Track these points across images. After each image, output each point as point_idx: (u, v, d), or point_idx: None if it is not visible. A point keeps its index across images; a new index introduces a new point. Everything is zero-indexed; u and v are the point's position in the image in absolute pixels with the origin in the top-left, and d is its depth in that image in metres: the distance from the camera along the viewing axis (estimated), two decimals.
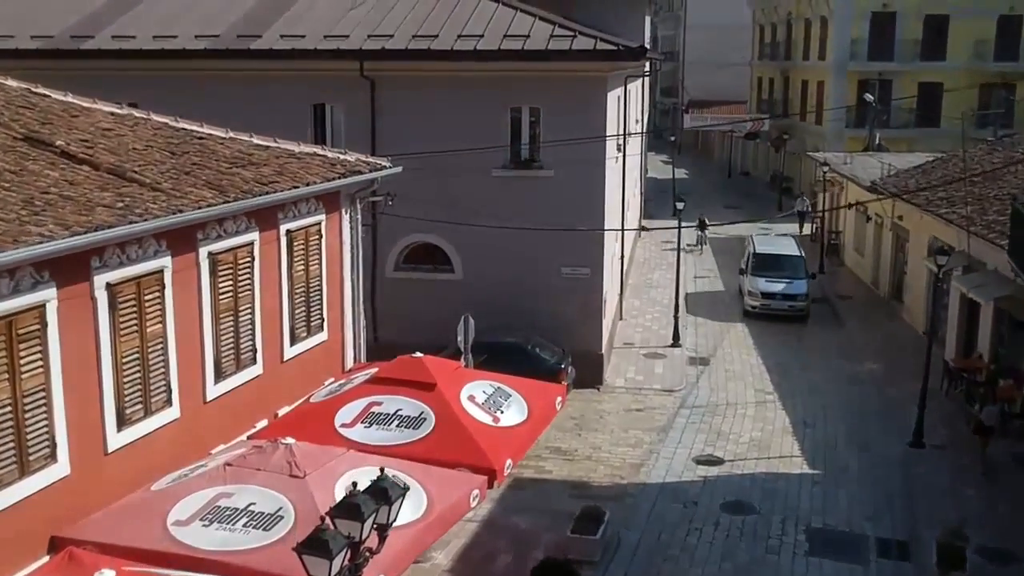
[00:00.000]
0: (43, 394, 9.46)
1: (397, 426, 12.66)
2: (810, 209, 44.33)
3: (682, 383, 24.61)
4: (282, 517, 9.74)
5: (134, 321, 10.63)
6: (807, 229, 43.93)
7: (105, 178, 10.90)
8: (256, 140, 14.65)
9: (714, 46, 64.37)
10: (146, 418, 10.95)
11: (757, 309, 30.50)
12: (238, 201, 11.60)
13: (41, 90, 13.78)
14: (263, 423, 13.12)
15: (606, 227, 23.30)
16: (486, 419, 13.16)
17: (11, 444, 9.13)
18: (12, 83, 13.63)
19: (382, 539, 8.45)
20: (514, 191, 22.48)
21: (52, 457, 9.61)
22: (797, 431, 21.75)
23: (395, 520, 8.63)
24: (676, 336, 27.64)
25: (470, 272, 23.04)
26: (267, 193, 12.24)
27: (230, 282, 12.30)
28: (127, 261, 10.46)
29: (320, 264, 14.41)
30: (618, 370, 25.24)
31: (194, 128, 14.42)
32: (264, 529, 9.61)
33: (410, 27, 22.85)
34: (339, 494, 9.85)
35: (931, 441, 20.86)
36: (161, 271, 11.02)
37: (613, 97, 24.26)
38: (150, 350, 10.93)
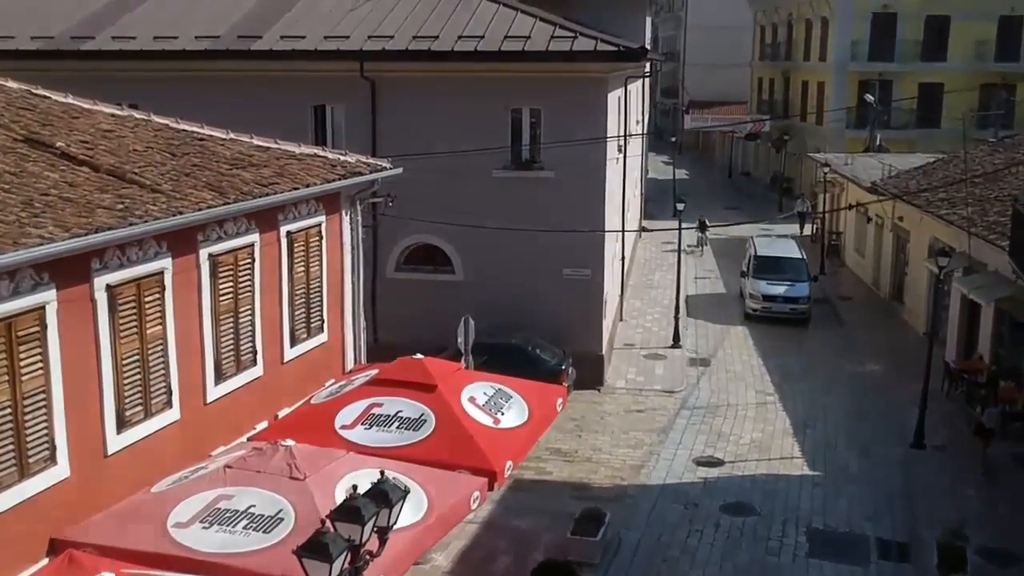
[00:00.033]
0: (43, 396, 9.44)
1: (397, 428, 12.64)
2: (810, 210, 44.32)
3: (682, 384, 24.60)
4: (282, 519, 9.73)
5: (134, 323, 10.62)
6: (808, 230, 43.91)
7: (105, 180, 10.89)
8: (256, 141, 14.64)
9: (714, 47, 64.38)
10: (146, 420, 10.93)
11: (758, 312, 30.37)
12: (238, 203, 11.58)
13: (41, 91, 13.77)
14: (263, 425, 13.11)
15: (607, 228, 23.29)
16: (487, 421, 13.15)
17: (11, 446, 9.11)
18: (12, 84, 13.63)
19: (382, 542, 8.44)
20: (515, 192, 22.47)
21: (52, 459, 9.60)
22: (797, 432, 21.74)
23: (395, 523, 8.62)
24: (676, 337, 27.62)
25: (470, 273, 23.03)
26: (267, 195, 12.22)
27: (230, 284, 12.29)
28: (127, 263, 10.44)
29: (320, 265, 14.40)
30: (618, 371, 25.23)
31: (194, 129, 14.41)
32: (264, 531, 9.60)
33: (411, 28, 22.85)
34: (339, 496, 9.85)
35: (932, 442, 20.85)
36: (161, 273, 11.00)
37: (614, 98, 24.25)
38: (150, 352, 10.91)
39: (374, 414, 12.82)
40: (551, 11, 23.96)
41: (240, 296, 12.48)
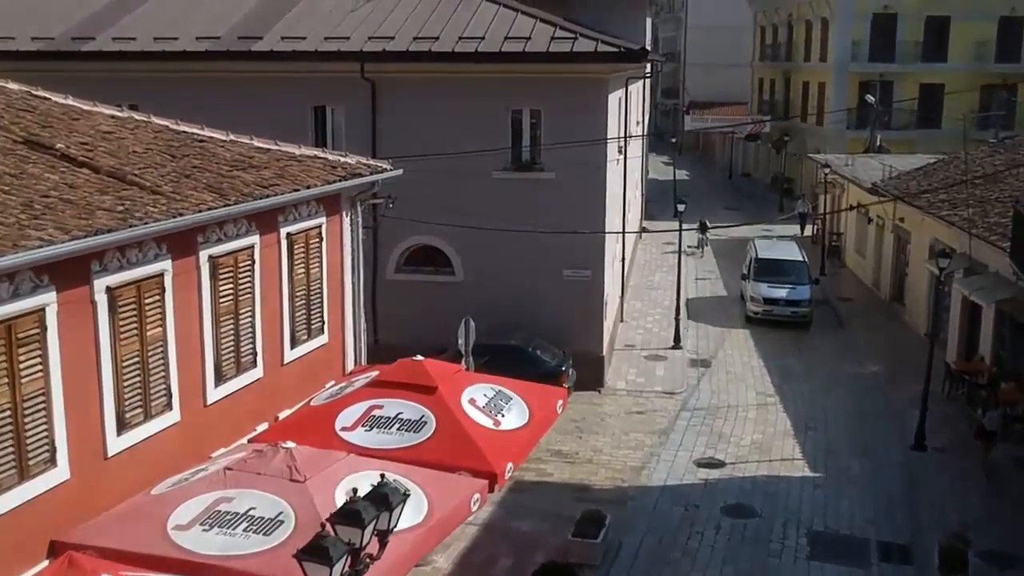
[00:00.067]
0: (43, 398, 9.42)
1: (398, 430, 12.64)
2: (811, 211, 44.29)
3: (683, 385, 24.58)
4: (282, 522, 9.72)
5: (134, 325, 10.60)
6: (808, 231, 43.89)
7: (105, 181, 10.87)
8: (257, 143, 14.63)
9: (715, 47, 64.38)
10: (146, 422, 10.92)
11: (759, 315, 30.18)
12: (238, 204, 11.57)
13: (41, 93, 13.75)
14: (263, 426, 13.10)
15: (607, 229, 23.27)
16: (487, 422, 13.14)
17: (11, 448, 9.09)
18: (12, 86, 13.61)
19: (383, 545, 8.42)
20: (515, 193, 22.45)
21: (52, 462, 9.58)
22: (798, 434, 21.72)
23: (396, 526, 8.60)
24: (677, 338, 27.60)
25: (471, 274, 23.02)
26: (267, 196, 12.21)
27: (230, 285, 12.27)
28: (127, 265, 10.43)
29: (321, 267, 14.38)
30: (619, 372, 25.21)
31: (194, 131, 14.39)
32: (264, 534, 9.58)
33: (411, 29, 22.83)
34: (340, 499, 9.84)
35: (933, 444, 20.82)
36: (161, 274, 10.99)
37: (614, 99, 24.23)
38: (150, 354, 10.90)
39: (374, 416, 12.82)
40: (551, 12, 23.95)
41: (240, 298, 12.46)
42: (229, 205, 11.38)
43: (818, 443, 21.25)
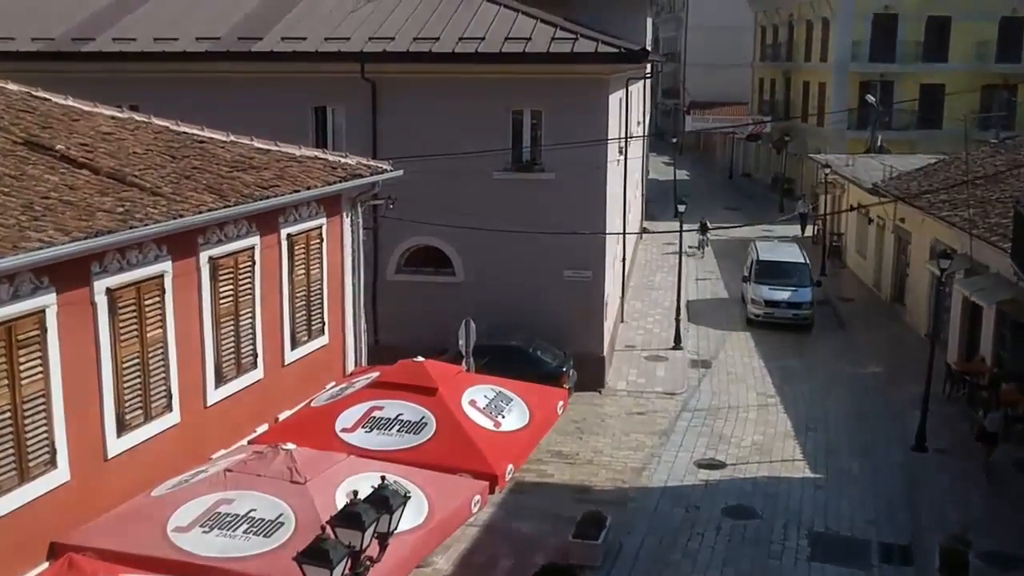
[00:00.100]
0: (43, 400, 9.42)
1: (398, 431, 12.63)
2: (812, 211, 44.25)
3: (684, 386, 24.56)
4: (283, 524, 9.71)
5: (134, 326, 10.60)
6: (809, 231, 43.87)
7: (105, 182, 10.86)
8: (257, 144, 14.62)
9: (715, 47, 64.34)
10: (146, 423, 10.91)
11: (760, 318, 29.97)
12: (239, 205, 11.56)
13: (41, 94, 13.74)
14: (264, 428, 13.09)
15: (608, 229, 23.25)
16: (487, 424, 13.14)
17: (11, 450, 9.09)
18: (12, 87, 13.60)
19: (383, 547, 8.41)
20: (515, 194, 22.43)
21: (52, 463, 9.58)
22: (799, 435, 21.70)
23: (396, 528, 8.59)
24: (678, 339, 27.59)
25: (471, 275, 23.00)
26: (268, 197, 12.20)
27: (231, 286, 12.26)
28: (127, 266, 10.42)
29: (321, 268, 14.37)
30: (619, 373, 25.20)
31: (195, 132, 14.38)
32: (265, 536, 9.58)
33: (411, 29, 22.82)
34: (340, 500, 9.83)
35: (933, 445, 20.80)
36: (161, 276, 10.98)
37: (615, 99, 24.22)
38: (150, 355, 10.89)
39: (375, 417, 12.82)
40: (551, 12, 23.94)
41: (240, 299, 12.45)
42: (229, 206, 11.37)
43: (819, 444, 21.24)
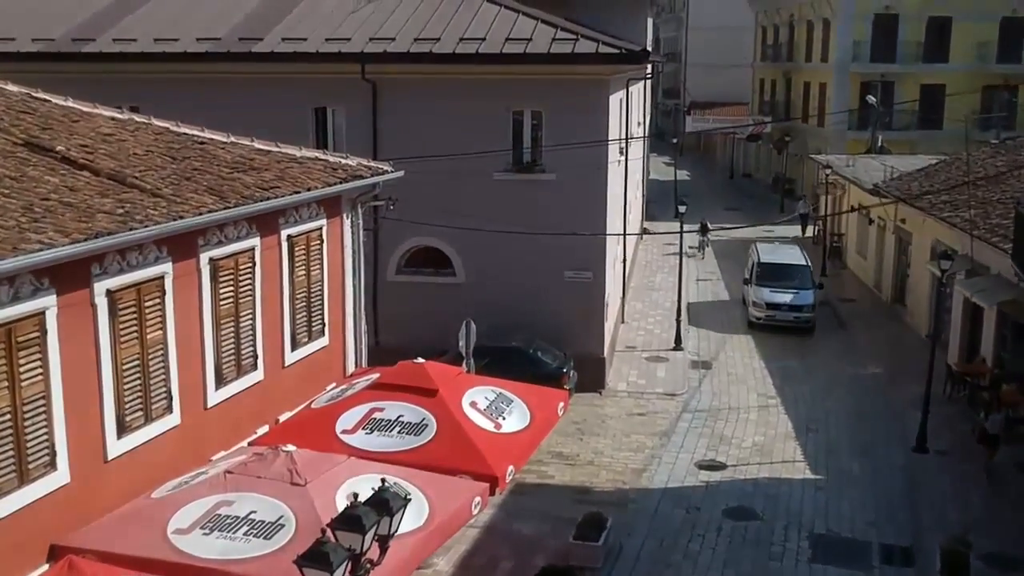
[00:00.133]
0: (43, 402, 9.41)
1: (399, 432, 12.61)
2: (812, 211, 44.22)
3: (684, 387, 24.55)
4: (283, 526, 9.69)
5: (134, 328, 10.59)
6: (809, 231, 43.84)
7: (105, 184, 10.85)
8: (257, 145, 14.60)
9: (716, 47, 64.34)
10: (146, 425, 10.90)
11: (762, 320, 29.74)
12: (239, 207, 11.55)
13: (41, 95, 13.73)
14: (264, 429, 13.08)
15: (608, 230, 23.24)
16: (488, 425, 13.12)
17: (10, 452, 9.08)
18: (12, 88, 13.59)
19: (383, 550, 8.40)
20: (516, 194, 22.42)
21: (52, 465, 9.56)
22: (800, 436, 21.68)
23: (396, 531, 8.57)
24: (678, 339, 27.57)
25: (472, 275, 22.99)
26: (268, 198, 12.19)
27: (231, 288, 12.25)
28: (127, 267, 10.41)
29: (321, 269, 14.36)
30: (620, 374, 25.18)
31: (195, 133, 14.37)
32: (265, 538, 9.56)
33: (412, 30, 22.80)
34: (340, 502, 9.82)
35: (934, 446, 20.79)
36: (162, 277, 10.97)
37: (615, 100, 24.21)
38: (150, 357, 10.88)
39: (375, 419, 12.80)
40: (552, 12, 23.92)
41: (241, 300, 12.44)
42: (229, 208, 11.36)
43: (819, 445, 21.22)
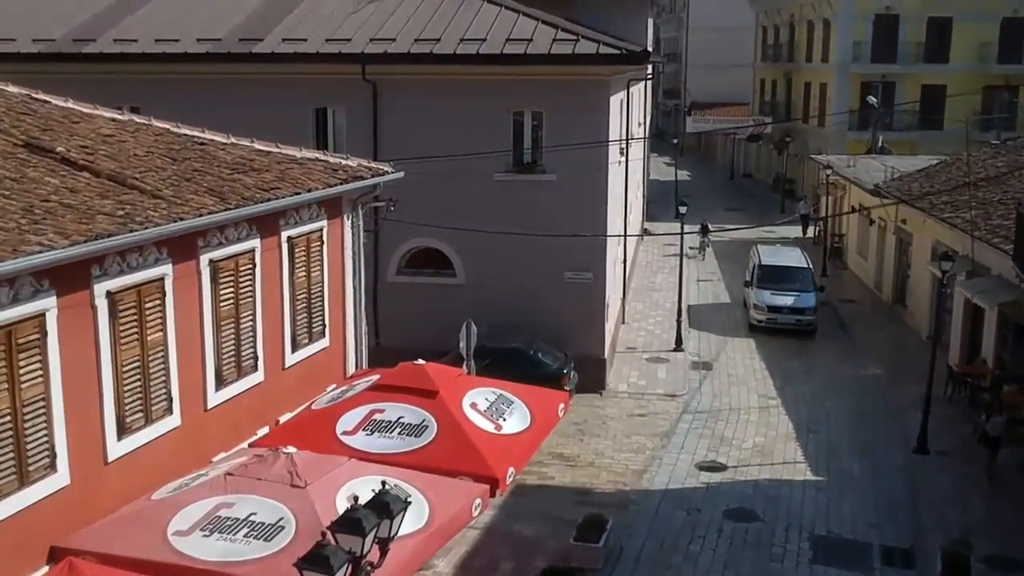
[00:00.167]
0: (43, 404, 9.40)
1: (399, 434, 12.60)
2: (813, 212, 44.18)
3: (685, 388, 24.53)
4: (283, 527, 9.68)
5: (135, 329, 10.58)
6: (810, 232, 43.80)
7: (106, 185, 10.85)
8: (258, 146, 14.59)
9: (716, 48, 64.34)
10: (146, 427, 10.89)
11: (763, 323, 29.54)
12: (239, 208, 11.54)
13: (41, 96, 13.73)
14: (264, 430, 13.07)
15: (609, 231, 23.23)
16: (488, 427, 13.11)
17: (10, 454, 9.07)
18: (13, 89, 13.59)
19: (384, 553, 8.38)
20: (516, 195, 22.42)
21: (52, 467, 9.56)
22: (800, 437, 21.67)
23: (397, 534, 8.56)
24: (679, 340, 27.55)
25: (472, 276, 22.98)
26: (268, 200, 12.18)
27: (231, 289, 12.24)
28: (127, 269, 10.40)
29: (322, 270, 14.35)
30: (620, 375, 25.17)
31: (195, 134, 14.36)
32: (265, 540, 9.54)
33: (412, 31, 22.79)
34: (340, 504, 9.81)
35: (935, 447, 20.77)
36: (162, 279, 10.96)
37: (616, 101, 24.19)
38: (151, 358, 10.87)
39: (375, 420, 12.79)
40: (552, 12, 23.90)
41: (241, 302, 12.43)
42: (230, 209, 11.35)
43: (820, 446, 21.20)
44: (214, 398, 12.07)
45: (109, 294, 10.17)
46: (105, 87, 20.05)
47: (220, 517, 9.84)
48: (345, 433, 12.55)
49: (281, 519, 9.76)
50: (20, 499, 9.19)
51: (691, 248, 38.23)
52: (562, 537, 16.09)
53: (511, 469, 12.55)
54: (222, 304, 12.07)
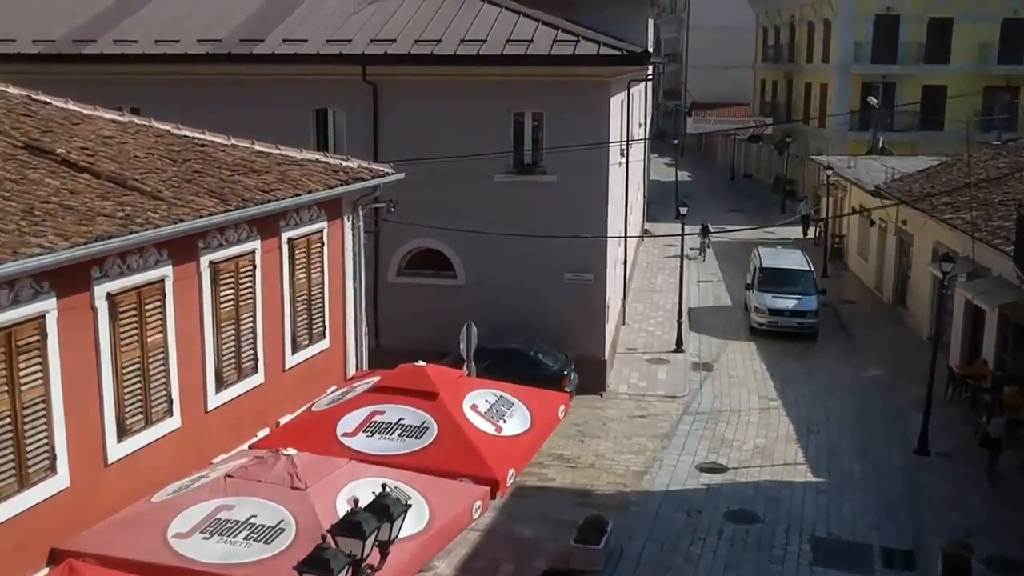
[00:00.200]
0: (43, 406, 9.39)
1: (399, 435, 12.60)
2: (813, 213, 44.14)
3: (685, 389, 24.51)
4: (283, 530, 9.67)
5: (135, 331, 10.57)
6: (811, 233, 43.78)
7: (106, 187, 10.84)
8: (258, 147, 14.59)
9: (717, 48, 64.30)
10: (146, 428, 10.88)
11: (764, 326, 29.36)
12: (239, 210, 11.53)
13: (42, 97, 13.72)
14: (264, 432, 13.06)
15: (609, 232, 23.21)
16: (489, 428, 13.10)
17: (10, 456, 9.06)
18: (13, 90, 13.58)
19: (384, 555, 8.37)
20: (517, 196, 22.40)
21: (52, 469, 9.55)
22: (801, 438, 21.65)
23: (397, 536, 8.55)
24: (679, 341, 27.53)
25: (472, 277, 22.97)
26: (269, 201, 12.17)
27: (231, 291, 12.23)
28: (128, 271, 10.39)
29: (322, 272, 14.34)
30: (621, 376, 25.15)
31: (195, 135, 14.35)
32: (265, 542, 9.54)
33: (413, 32, 22.78)
34: (341, 506, 9.80)
35: (936, 448, 20.76)
36: (162, 280, 10.95)
37: (616, 101, 24.18)
38: (151, 360, 10.86)
39: (376, 422, 12.79)
40: (552, 13, 23.88)
41: (241, 303, 12.42)
42: (230, 211, 11.34)
43: (821, 447, 21.19)
44: (214, 400, 12.06)
45: (109, 296, 10.17)
46: (105, 88, 20.07)
47: (220, 519, 9.83)
48: (345, 435, 12.55)
49: (281, 521, 9.76)
50: (20, 501, 9.18)
51: (692, 249, 38.12)
52: (562, 539, 16.08)
53: (511, 471, 12.54)
54: (222, 306, 12.07)
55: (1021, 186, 25.89)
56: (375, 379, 13.97)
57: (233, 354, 12.34)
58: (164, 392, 11.10)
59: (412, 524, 9.95)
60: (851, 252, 38.60)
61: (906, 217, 30.34)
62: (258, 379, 12.91)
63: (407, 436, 12.56)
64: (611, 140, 22.72)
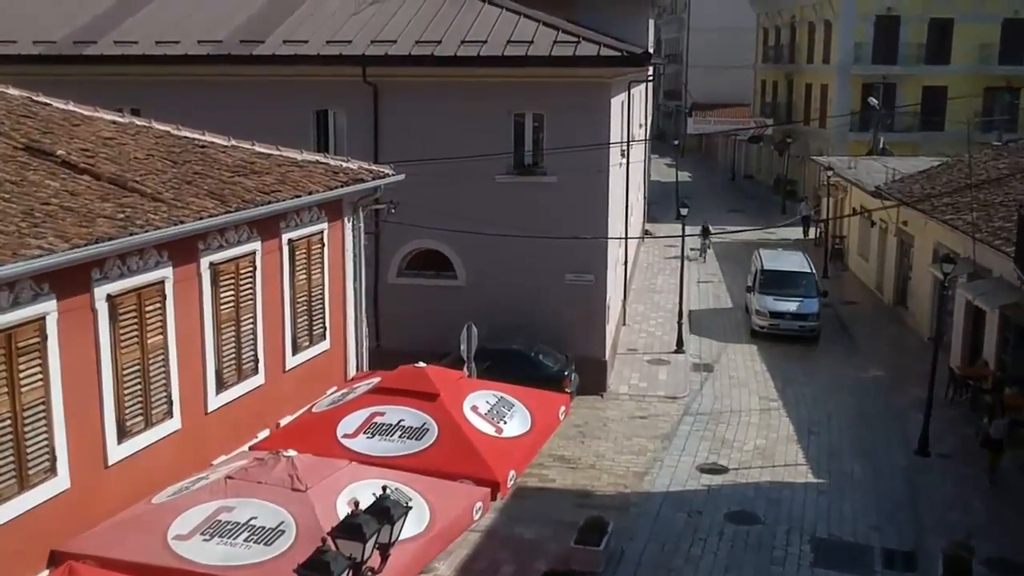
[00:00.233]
0: (43, 407, 9.39)
1: (400, 437, 12.60)
2: (814, 213, 44.13)
3: (686, 390, 24.50)
4: (283, 532, 9.67)
5: (135, 332, 10.57)
6: (811, 233, 43.76)
7: (106, 188, 10.84)
8: (258, 148, 14.58)
9: (717, 49, 64.31)
10: (147, 430, 10.88)
11: (765, 329, 29.17)
12: (240, 211, 11.54)
13: (42, 99, 13.72)
14: (265, 433, 13.06)
15: (610, 232, 23.20)
16: (489, 430, 13.10)
17: (11, 458, 9.06)
18: (13, 92, 13.58)
19: (384, 558, 8.36)
20: (517, 197, 22.39)
21: (52, 471, 9.55)
22: (801, 439, 21.64)
23: (397, 539, 8.54)
24: (680, 342, 27.51)
25: (473, 278, 22.97)
26: (269, 202, 12.17)
27: (232, 292, 12.23)
28: (128, 272, 10.39)
29: (322, 273, 14.33)
30: (621, 376, 25.14)
31: (196, 136, 14.35)
32: (265, 544, 9.53)
33: (413, 33, 22.78)
34: (341, 508, 9.80)
35: (936, 449, 20.74)
36: (162, 282, 10.95)
37: (617, 102, 24.17)
38: (151, 361, 10.86)
39: (376, 423, 12.78)
40: (553, 14, 23.88)
41: (241, 304, 12.42)
42: (230, 212, 11.34)
43: (821, 448, 21.18)
44: (214, 401, 12.06)
45: (109, 297, 10.16)
46: (106, 89, 20.08)
47: (220, 521, 9.83)
48: (346, 436, 12.55)
49: (281, 523, 9.75)
50: (20, 503, 9.18)
51: (692, 250, 38.08)
52: (563, 540, 16.06)
53: (512, 472, 12.54)
54: (222, 307, 12.06)
55: (1022, 187, 25.88)
56: (375, 380, 13.97)
57: (233, 355, 12.34)
58: (164, 393, 11.10)
59: (412, 526, 9.94)
60: (852, 253, 38.58)
61: (907, 218, 30.33)
62: (258, 380, 12.91)
63: (407, 437, 12.57)
64: (611, 141, 22.71)
